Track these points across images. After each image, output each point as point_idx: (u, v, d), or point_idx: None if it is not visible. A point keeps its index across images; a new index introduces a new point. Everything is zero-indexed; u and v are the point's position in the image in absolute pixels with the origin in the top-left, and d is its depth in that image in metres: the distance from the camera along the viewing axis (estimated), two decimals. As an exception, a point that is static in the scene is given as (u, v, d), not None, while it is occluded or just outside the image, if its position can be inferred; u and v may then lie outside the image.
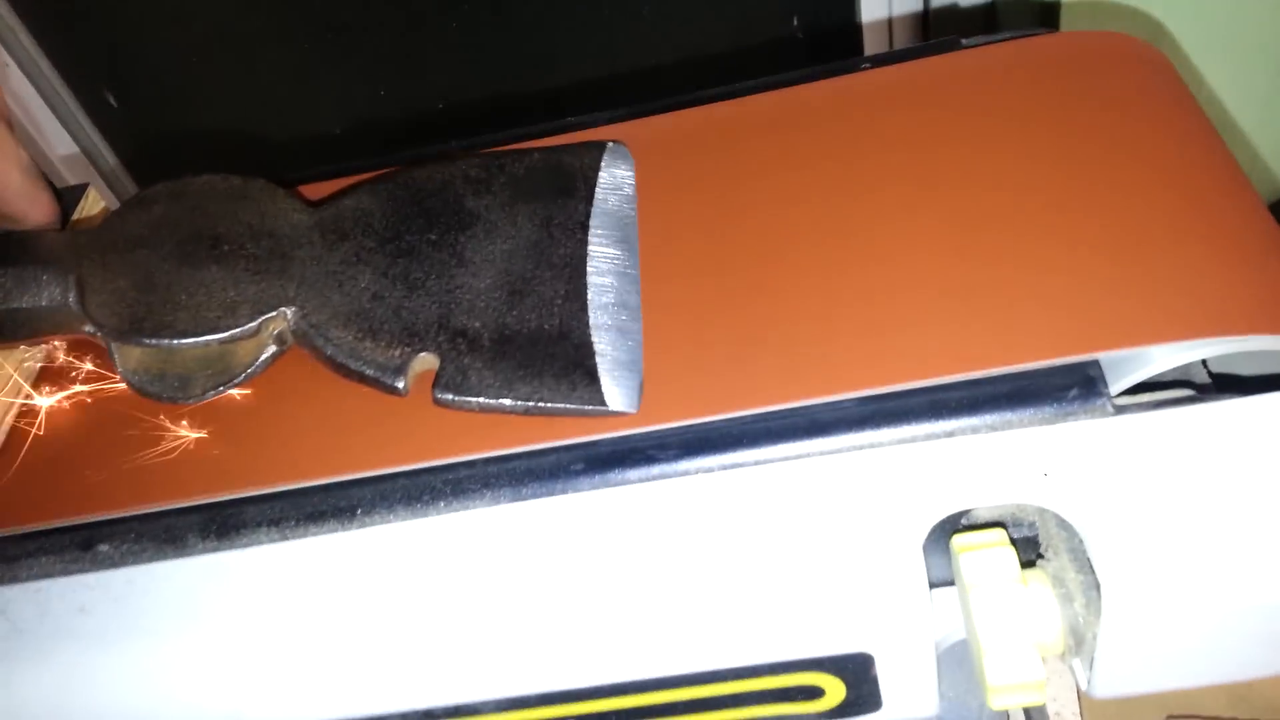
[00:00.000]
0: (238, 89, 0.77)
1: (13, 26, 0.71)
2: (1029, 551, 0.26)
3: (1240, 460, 0.23)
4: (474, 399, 0.27)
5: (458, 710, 0.26)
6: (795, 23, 0.76)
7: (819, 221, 0.29)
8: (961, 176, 0.29)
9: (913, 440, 0.24)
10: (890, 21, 0.75)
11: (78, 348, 0.32)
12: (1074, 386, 0.24)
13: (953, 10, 0.74)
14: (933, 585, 0.27)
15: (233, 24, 0.73)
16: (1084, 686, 0.26)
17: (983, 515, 0.26)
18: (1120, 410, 0.24)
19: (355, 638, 0.25)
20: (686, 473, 0.25)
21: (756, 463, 0.25)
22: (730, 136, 0.33)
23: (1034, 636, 0.24)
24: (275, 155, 0.80)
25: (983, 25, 0.72)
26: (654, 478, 0.25)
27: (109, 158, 0.80)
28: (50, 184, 0.31)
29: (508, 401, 0.27)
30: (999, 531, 0.25)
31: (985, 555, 0.24)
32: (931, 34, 0.77)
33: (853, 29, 0.76)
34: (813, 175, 0.31)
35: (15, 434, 0.30)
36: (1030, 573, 0.25)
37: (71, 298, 0.29)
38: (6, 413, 0.31)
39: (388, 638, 0.25)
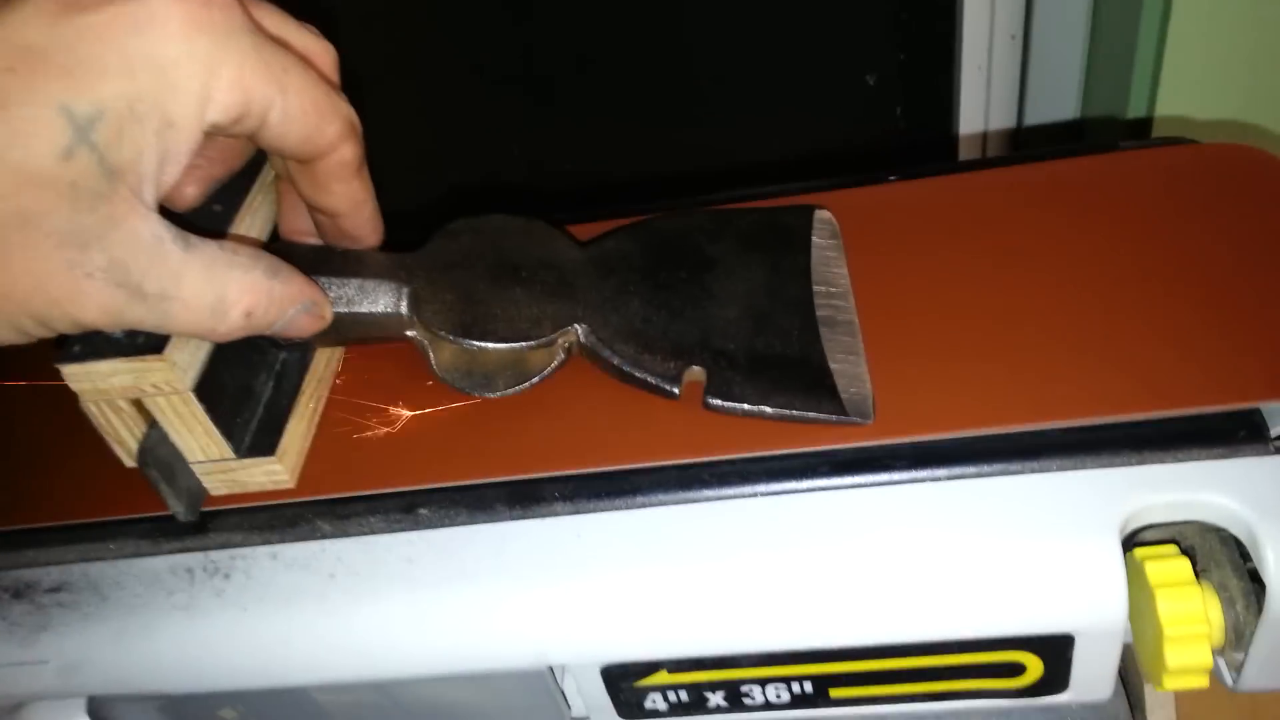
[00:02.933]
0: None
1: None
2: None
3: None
4: (739, 405, 0.33)
5: (720, 661, 0.31)
6: (901, 124, 0.84)
7: (1006, 285, 0.36)
8: (1128, 261, 0.36)
9: (1114, 465, 0.31)
10: (985, 135, 0.83)
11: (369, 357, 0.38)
12: (1242, 428, 0.30)
13: (1044, 127, 0.82)
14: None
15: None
16: (1229, 684, 0.31)
17: (1153, 536, 0.32)
18: (1279, 450, 0.30)
19: (622, 596, 0.31)
20: (921, 479, 0.31)
21: (984, 475, 0.31)
22: (911, 212, 0.40)
23: (1208, 630, 0.29)
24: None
25: (1074, 139, 0.80)
26: (890, 483, 0.31)
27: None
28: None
29: (768, 409, 0.33)
30: (1173, 547, 0.31)
31: (1167, 563, 0.30)
32: (1022, 148, 0.84)
33: (951, 140, 0.84)
34: (990, 248, 0.37)
35: (330, 418, 0.37)
36: (1202, 580, 0.31)
37: (404, 306, 0.35)
38: (322, 400, 0.37)
39: (648, 598, 0.31)
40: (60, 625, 0.33)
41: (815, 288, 0.37)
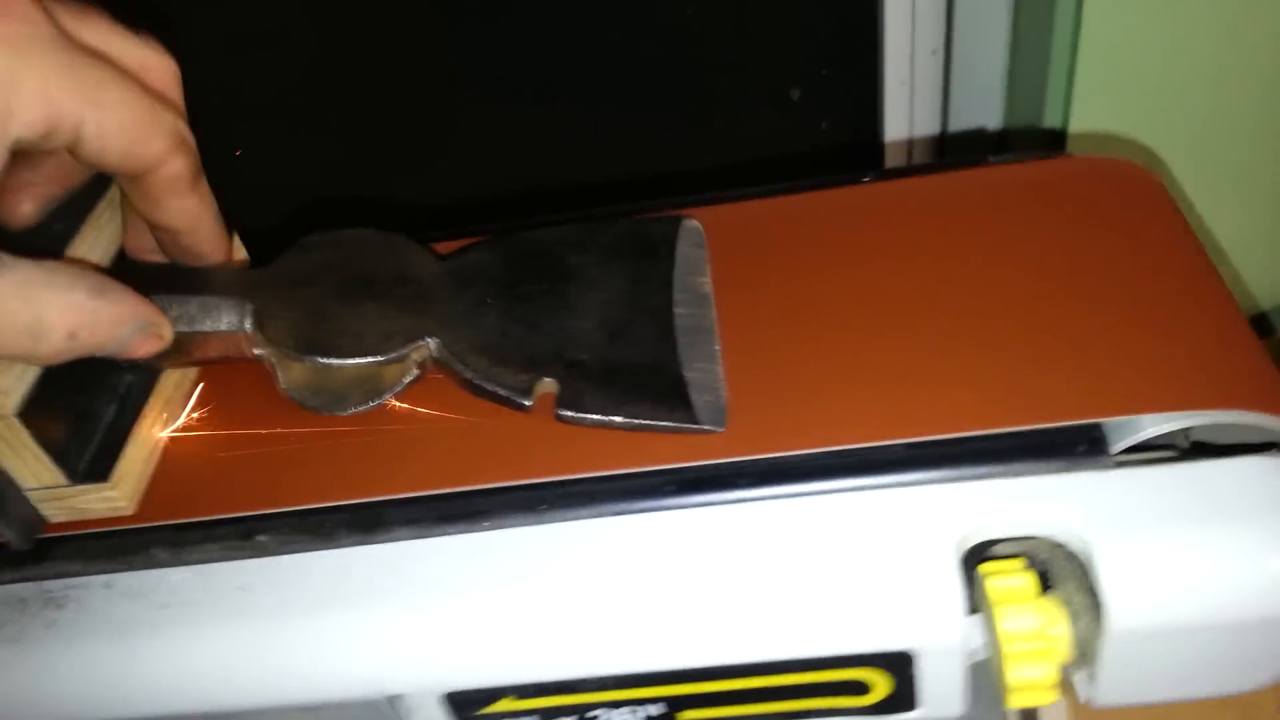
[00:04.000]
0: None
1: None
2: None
3: (1215, 507, 0.28)
4: (590, 415, 0.32)
5: (565, 686, 0.30)
6: (824, 128, 0.84)
7: (868, 298, 0.35)
8: (988, 275, 0.35)
9: (952, 480, 0.30)
10: (911, 142, 0.83)
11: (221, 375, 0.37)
12: (1083, 443, 0.30)
13: (968, 134, 0.82)
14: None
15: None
16: (1084, 698, 0.31)
17: (1005, 551, 0.32)
18: (1119, 465, 0.29)
19: (461, 621, 0.30)
20: (763, 498, 0.31)
21: (824, 492, 0.30)
22: (784, 226, 0.40)
23: (1048, 644, 0.29)
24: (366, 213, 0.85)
25: (994, 148, 0.80)
26: (733, 501, 0.31)
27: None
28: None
29: (618, 419, 0.32)
30: (1020, 561, 0.30)
31: (1008, 578, 0.29)
32: (948, 154, 0.85)
33: (877, 146, 0.84)
34: (863, 264, 0.37)
35: (180, 441, 0.36)
36: (1043, 597, 0.30)
37: (248, 324, 0.34)
38: (168, 423, 0.36)
39: (492, 622, 0.30)
40: (-119, 662, 0.32)
41: (677, 296, 0.36)
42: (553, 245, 0.38)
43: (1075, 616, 0.29)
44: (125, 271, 0.35)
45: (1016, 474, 0.30)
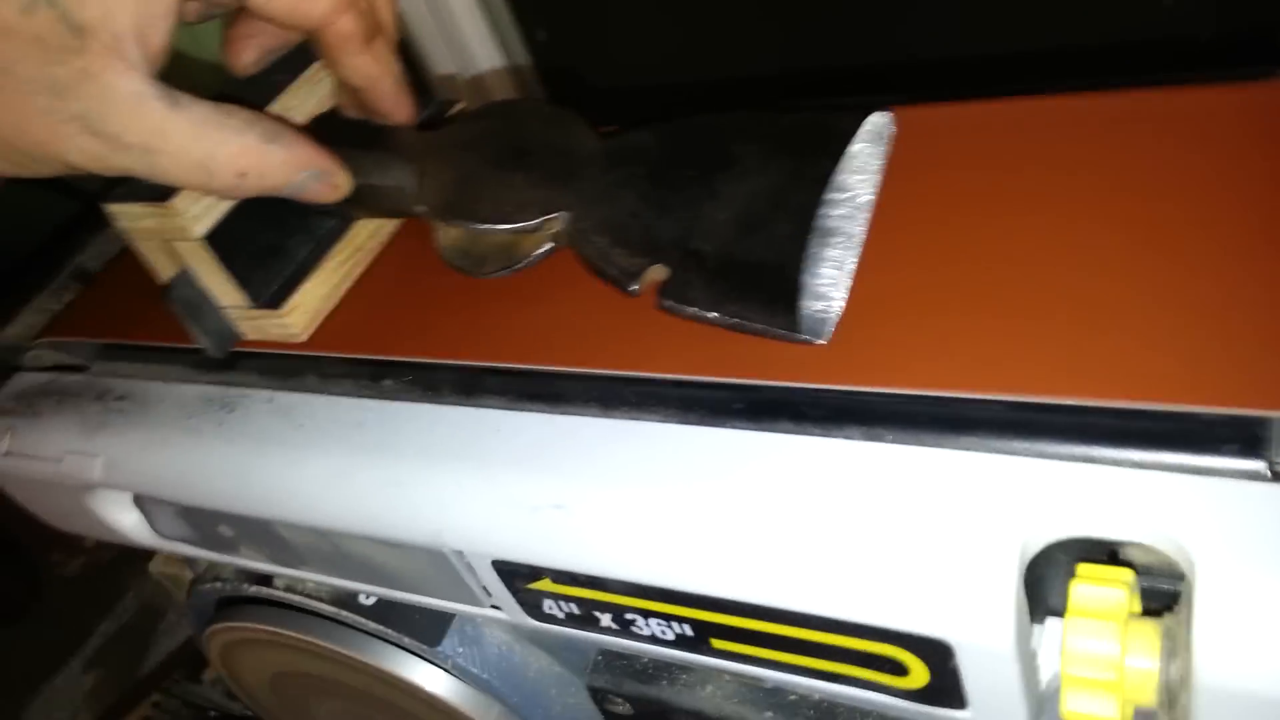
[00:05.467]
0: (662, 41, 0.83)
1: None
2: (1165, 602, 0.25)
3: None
4: (688, 308, 0.31)
5: (598, 583, 0.30)
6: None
7: (1047, 231, 0.29)
8: (1218, 217, 0.28)
9: (1061, 458, 0.25)
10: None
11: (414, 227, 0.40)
12: (1235, 442, 0.23)
13: None
14: (1055, 613, 0.27)
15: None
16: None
17: (1131, 557, 0.26)
18: (1277, 478, 0.22)
19: (511, 496, 0.30)
20: (832, 435, 0.27)
21: (897, 442, 0.26)
22: (1011, 135, 0.33)
23: (1122, 679, 0.23)
24: (674, 97, 0.85)
25: None
26: (799, 433, 0.28)
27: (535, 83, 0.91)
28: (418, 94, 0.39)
29: (714, 315, 0.30)
30: (1127, 571, 0.24)
31: (1098, 589, 0.24)
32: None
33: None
34: (1065, 192, 0.30)
35: (368, 283, 0.39)
36: (1145, 620, 0.24)
37: (411, 182, 0.36)
38: (355, 267, 0.39)
39: (533, 504, 0.30)
40: (112, 427, 0.39)
41: (830, 196, 0.32)
42: (720, 131, 0.36)
43: (1172, 654, 0.23)
44: (326, 124, 0.38)
45: (1130, 463, 0.24)
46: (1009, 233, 0.30)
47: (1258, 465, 0.22)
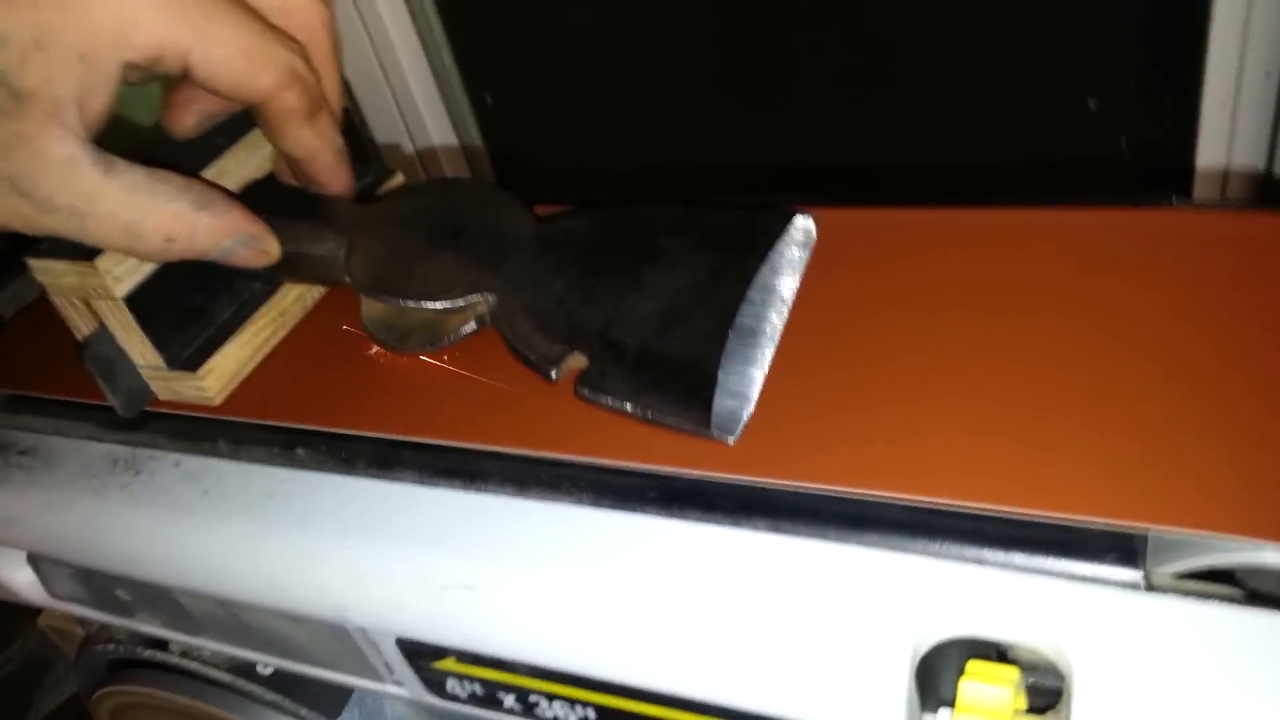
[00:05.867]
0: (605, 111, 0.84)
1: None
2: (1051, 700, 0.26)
3: (1251, 675, 0.22)
4: (605, 398, 0.31)
5: (503, 665, 0.30)
6: (1122, 144, 0.74)
7: (955, 339, 0.31)
8: (1110, 331, 0.29)
9: (931, 555, 0.26)
10: (1226, 174, 0.70)
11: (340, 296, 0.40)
12: (1112, 551, 0.24)
13: (1302, 175, 0.68)
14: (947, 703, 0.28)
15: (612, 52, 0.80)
16: None
17: (1021, 655, 0.27)
18: (1151, 589, 0.24)
19: (417, 574, 0.30)
20: (738, 525, 0.28)
21: (807, 536, 0.27)
22: (930, 243, 0.35)
23: (1003, 777, 0.24)
24: (625, 177, 0.86)
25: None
26: (706, 522, 0.29)
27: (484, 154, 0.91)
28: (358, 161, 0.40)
29: (629, 406, 0.31)
30: (1014, 670, 0.25)
31: (985, 687, 0.25)
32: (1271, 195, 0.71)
33: (1185, 173, 0.72)
34: (978, 300, 0.32)
35: (287, 348, 0.39)
36: (1030, 717, 0.25)
37: (341, 253, 0.37)
38: (278, 331, 0.39)
39: (444, 583, 0.30)
40: (12, 483, 0.38)
41: (752, 295, 0.34)
42: (651, 223, 0.37)
43: (1053, 755, 0.24)
44: (262, 189, 0.39)
45: (1019, 568, 0.25)
46: (914, 337, 0.31)
47: (1135, 575, 0.24)
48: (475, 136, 0.90)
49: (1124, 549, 0.24)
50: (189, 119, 0.37)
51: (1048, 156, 0.76)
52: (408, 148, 0.87)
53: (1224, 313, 0.29)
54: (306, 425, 0.35)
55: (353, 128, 0.84)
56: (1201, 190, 0.73)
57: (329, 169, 0.37)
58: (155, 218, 0.32)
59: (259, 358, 0.39)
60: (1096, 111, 0.74)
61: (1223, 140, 0.70)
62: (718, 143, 0.85)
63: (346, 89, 0.38)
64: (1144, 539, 0.24)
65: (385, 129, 0.87)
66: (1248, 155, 0.71)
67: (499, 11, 0.79)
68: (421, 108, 0.85)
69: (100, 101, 0.31)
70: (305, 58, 0.34)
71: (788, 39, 0.78)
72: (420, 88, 0.85)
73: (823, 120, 0.80)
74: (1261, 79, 0.66)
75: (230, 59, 0.32)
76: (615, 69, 0.81)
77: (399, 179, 0.44)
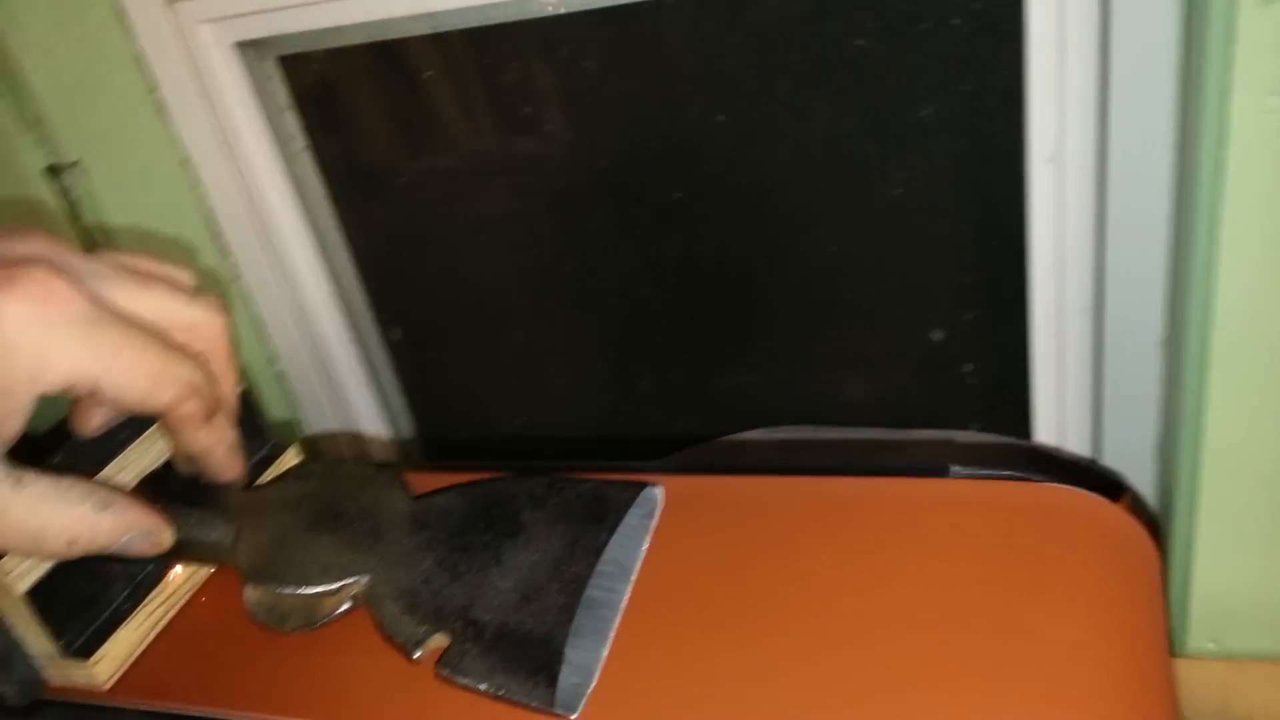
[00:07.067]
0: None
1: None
2: None
3: None
4: (462, 679, 0.35)
5: None
6: (968, 371, 0.81)
7: (791, 605, 0.35)
8: (925, 598, 0.34)
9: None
10: (1063, 403, 0.79)
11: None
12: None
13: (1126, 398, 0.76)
14: None
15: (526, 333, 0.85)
16: None
17: None
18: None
19: None
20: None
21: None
22: (772, 510, 0.40)
23: None
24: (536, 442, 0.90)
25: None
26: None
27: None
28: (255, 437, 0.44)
29: (483, 686, 0.34)
30: None
31: None
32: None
33: (1022, 402, 0.80)
34: (818, 568, 0.37)
35: (178, 629, 0.42)
36: None
37: (228, 539, 0.40)
38: (169, 611, 0.42)
39: None
40: (-102, 779, 0.39)
41: (601, 568, 0.38)
42: (515, 498, 0.42)
43: None
44: (158, 479, 0.42)
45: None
46: (749, 605, 0.36)
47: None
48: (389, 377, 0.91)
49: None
50: (95, 420, 0.41)
51: (903, 388, 0.84)
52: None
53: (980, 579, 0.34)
54: (188, 709, 0.38)
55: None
56: (1041, 418, 0.81)
57: (222, 462, 0.41)
58: (60, 523, 0.35)
59: (149, 639, 0.41)
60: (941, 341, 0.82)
61: (1053, 371, 0.78)
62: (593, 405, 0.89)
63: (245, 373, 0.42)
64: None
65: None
66: (1077, 385, 0.79)
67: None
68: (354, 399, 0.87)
69: (14, 426, 0.35)
70: (206, 365, 0.39)
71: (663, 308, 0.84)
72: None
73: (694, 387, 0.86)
74: (1079, 314, 0.74)
75: (135, 381, 0.36)
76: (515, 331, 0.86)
77: (291, 454, 0.48)
